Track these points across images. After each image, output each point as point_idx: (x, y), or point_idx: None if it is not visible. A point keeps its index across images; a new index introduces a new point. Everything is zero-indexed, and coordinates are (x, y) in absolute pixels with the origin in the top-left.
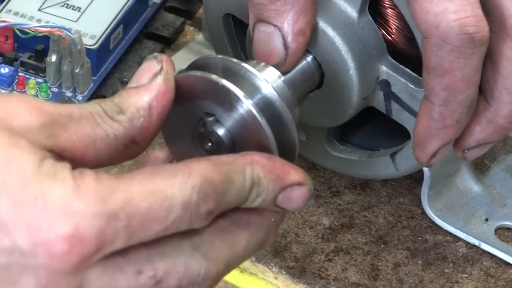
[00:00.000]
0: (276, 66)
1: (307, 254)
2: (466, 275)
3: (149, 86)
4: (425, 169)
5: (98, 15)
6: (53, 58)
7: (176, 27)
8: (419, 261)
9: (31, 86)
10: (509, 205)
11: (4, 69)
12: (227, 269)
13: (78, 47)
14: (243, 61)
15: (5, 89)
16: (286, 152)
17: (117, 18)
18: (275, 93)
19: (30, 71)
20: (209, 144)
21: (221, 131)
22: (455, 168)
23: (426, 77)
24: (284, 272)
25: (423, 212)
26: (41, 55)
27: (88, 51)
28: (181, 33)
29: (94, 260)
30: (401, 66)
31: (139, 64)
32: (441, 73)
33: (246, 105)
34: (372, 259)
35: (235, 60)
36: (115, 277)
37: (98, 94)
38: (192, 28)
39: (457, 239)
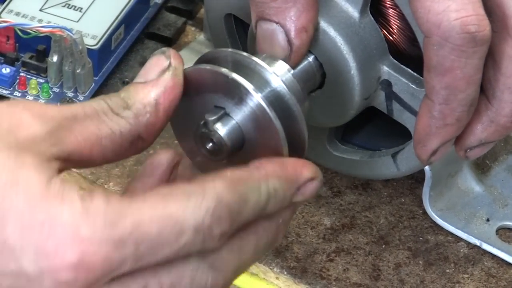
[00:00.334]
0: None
1: (308, 254)
2: (467, 276)
3: (156, 82)
4: (427, 169)
5: (100, 15)
6: (55, 58)
7: (178, 27)
8: (420, 261)
9: (33, 86)
10: (510, 205)
11: (6, 69)
12: (236, 275)
13: (79, 47)
14: (252, 55)
15: (6, 89)
16: (296, 145)
17: (119, 18)
18: (285, 87)
19: (31, 71)
20: (210, 144)
21: (222, 131)
22: (457, 168)
23: (427, 76)
24: (285, 272)
25: (424, 212)
26: (43, 55)
27: (90, 51)
28: (183, 33)
29: (100, 284)
30: (402, 66)
31: (141, 64)
32: (442, 72)
33: (256, 98)
34: (374, 259)
35: (245, 53)
36: None
37: (99, 94)
38: (193, 28)
39: (458, 239)
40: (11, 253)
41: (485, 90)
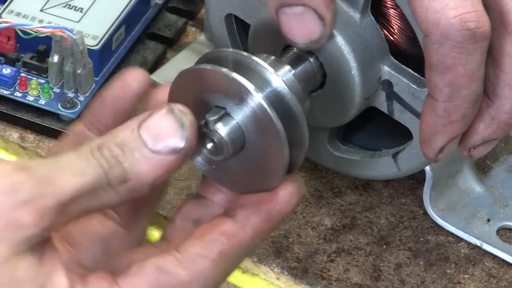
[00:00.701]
0: (318, 41)
1: (309, 255)
2: (468, 276)
3: (163, 160)
4: (427, 170)
5: (100, 15)
6: (55, 58)
7: (178, 27)
8: (421, 262)
9: (33, 86)
10: (511, 205)
11: (6, 70)
12: None
13: (80, 47)
14: (253, 54)
15: (7, 90)
16: (296, 145)
17: (119, 18)
18: (286, 87)
19: (32, 71)
20: (211, 144)
21: (223, 131)
22: (457, 168)
23: (429, 75)
24: (286, 273)
25: (425, 213)
26: (43, 55)
27: (90, 52)
28: (183, 33)
29: None
30: (403, 66)
31: (141, 64)
32: (443, 69)
33: (257, 98)
34: (374, 260)
35: (245, 53)
36: None
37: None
38: (194, 29)
39: (459, 239)
40: None
41: (485, 88)
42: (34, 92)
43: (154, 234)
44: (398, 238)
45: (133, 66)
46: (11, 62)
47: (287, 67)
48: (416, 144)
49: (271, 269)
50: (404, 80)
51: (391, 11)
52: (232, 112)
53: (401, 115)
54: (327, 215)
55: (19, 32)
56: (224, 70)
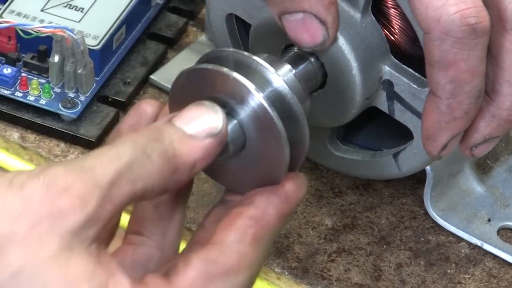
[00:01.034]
0: (323, 45)
1: (309, 255)
2: (468, 276)
3: (201, 144)
4: (428, 170)
5: (101, 15)
6: (56, 58)
7: (179, 27)
8: (421, 262)
9: (34, 86)
10: (511, 205)
11: (7, 70)
12: None
13: (81, 47)
14: (254, 54)
15: (8, 90)
16: (297, 145)
17: (120, 18)
18: (286, 86)
19: (32, 71)
20: None
21: None
22: (458, 168)
23: (431, 72)
24: (286, 273)
25: (426, 213)
26: (44, 55)
27: (91, 52)
28: (184, 33)
29: None
30: (404, 66)
31: (142, 64)
32: (445, 66)
33: (257, 98)
34: (375, 260)
35: (246, 53)
36: None
37: (100, 94)
38: (195, 29)
39: (459, 239)
40: None
41: (484, 86)
42: (35, 92)
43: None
44: (399, 238)
45: (134, 66)
46: (11, 62)
47: (288, 67)
48: (417, 144)
49: (271, 269)
50: (405, 80)
51: (392, 11)
52: (233, 112)
53: (401, 115)
54: (327, 215)
55: (20, 32)
56: (225, 69)
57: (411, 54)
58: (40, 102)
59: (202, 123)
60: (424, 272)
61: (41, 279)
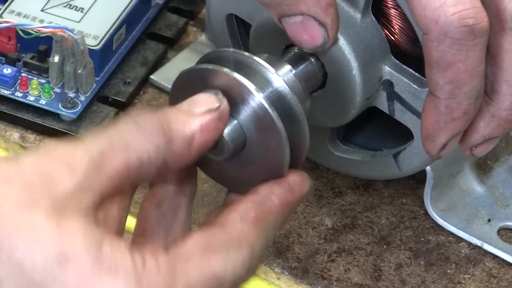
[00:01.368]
0: (323, 46)
1: (309, 255)
2: (468, 276)
3: (200, 117)
4: (428, 170)
5: (101, 15)
6: (56, 58)
7: (179, 27)
8: (421, 262)
9: (34, 86)
10: (511, 205)
11: (7, 70)
12: None
13: (81, 47)
14: (254, 54)
15: (8, 90)
16: (297, 145)
17: (120, 18)
18: (286, 87)
19: (32, 71)
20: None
21: (224, 131)
22: (458, 168)
23: (430, 72)
24: (286, 273)
25: (426, 213)
26: (44, 55)
27: (91, 52)
28: (184, 33)
29: None
30: (404, 66)
31: (142, 64)
32: (444, 67)
33: (258, 98)
34: (375, 260)
35: (246, 53)
36: None
37: (100, 94)
38: (195, 29)
39: (459, 239)
40: None
41: (484, 86)
42: (35, 92)
43: None
44: (399, 238)
45: (134, 66)
46: (11, 62)
47: (288, 67)
48: (417, 144)
49: (271, 269)
50: (405, 80)
51: (392, 11)
52: (233, 112)
53: (402, 115)
54: (327, 215)
55: (20, 32)
56: (225, 70)
57: (411, 54)
58: (40, 102)
59: (200, 101)
60: (424, 272)
61: (34, 235)
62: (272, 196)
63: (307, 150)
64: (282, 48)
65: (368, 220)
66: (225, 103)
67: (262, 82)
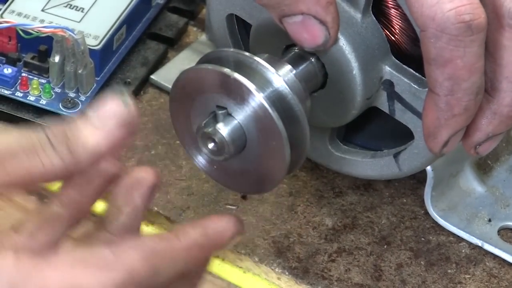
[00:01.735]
0: (325, 45)
1: (310, 255)
2: (469, 276)
3: (105, 132)
4: (428, 170)
5: (101, 15)
6: (56, 58)
7: (179, 27)
8: (422, 262)
9: (34, 86)
10: None
11: (7, 70)
12: None
13: (81, 47)
14: (254, 55)
15: (8, 90)
16: (297, 145)
17: (120, 18)
18: (287, 87)
19: (33, 71)
20: (212, 144)
21: (224, 131)
22: (458, 168)
23: (428, 69)
24: (287, 273)
25: (426, 213)
26: (44, 55)
27: (91, 52)
28: (184, 33)
29: None
30: (404, 66)
31: (142, 64)
32: (442, 63)
33: (258, 98)
34: (375, 260)
35: (247, 53)
36: None
37: (101, 94)
38: (195, 29)
39: (460, 239)
40: None
41: (484, 82)
42: (35, 92)
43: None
44: (399, 238)
45: (134, 66)
46: (12, 62)
47: (288, 67)
48: (417, 144)
49: (272, 269)
50: (406, 80)
51: (392, 11)
52: (234, 112)
53: (402, 115)
54: (328, 215)
55: (20, 32)
56: (226, 70)
57: (412, 54)
58: (41, 102)
59: (108, 109)
60: (425, 272)
61: None
62: (181, 237)
63: (307, 150)
64: (283, 48)
65: (368, 220)
66: (130, 104)
67: (263, 82)
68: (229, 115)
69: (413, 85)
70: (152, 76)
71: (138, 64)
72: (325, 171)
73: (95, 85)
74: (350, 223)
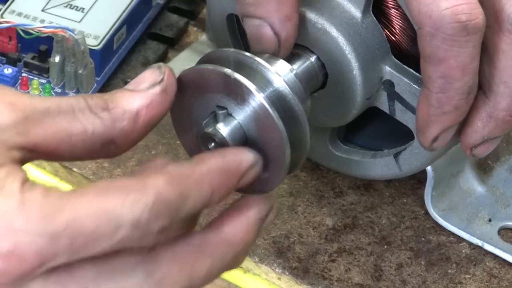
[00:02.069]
0: (274, 54)
1: (310, 255)
2: (469, 276)
3: (143, 93)
4: (429, 170)
5: (102, 15)
6: (57, 58)
7: (180, 27)
8: (422, 262)
9: (35, 86)
10: None
11: (8, 70)
12: None
13: (81, 47)
14: (255, 54)
15: None
16: (298, 145)
17: (121, 18)
18: (287, 87)
19: (33, 71)
20: (213, 144)
21: (224, 131)
22: (459, 168)
23: (423, 65)
24: (287, 273)
25: (426, 213)
26: (45, 55)
27: (92, 52)
28: (185, 33)
29: (35, 275)
30: (404, 66)
31: (143, 64)
32: (436, 62)
33: (258, 98)
34: (375, 260)
35: (247, 53)
36: None
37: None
38: (195, 29)
39: (460, 239)
40: None
41: (481, 85)
42: (36, 92)
43: None
44: (400, 238)
45: (135, 66)
46: (12, 62)
47: (289, 67)
48: (418, 144)
49: (272, 269)
50: (406, 80)
51: (393, 11)
52: (234, 112)
53: (402, 115)
54: (328, 215)
55: (21, 32)
56: (226, 70)
57: (412, 54)
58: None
59: (143, 77)
60: (425, 272)
61: None
62: (201, 161)
63: (307, 150)
64: None
65: (368, 220)
66: (168, 74)
67: (263, 82)
68: (229, 115)
69: (413, 85)
70: None
71: (138, 64)
72: (325, 171)
73: (95, 85)
74: (351, 223)
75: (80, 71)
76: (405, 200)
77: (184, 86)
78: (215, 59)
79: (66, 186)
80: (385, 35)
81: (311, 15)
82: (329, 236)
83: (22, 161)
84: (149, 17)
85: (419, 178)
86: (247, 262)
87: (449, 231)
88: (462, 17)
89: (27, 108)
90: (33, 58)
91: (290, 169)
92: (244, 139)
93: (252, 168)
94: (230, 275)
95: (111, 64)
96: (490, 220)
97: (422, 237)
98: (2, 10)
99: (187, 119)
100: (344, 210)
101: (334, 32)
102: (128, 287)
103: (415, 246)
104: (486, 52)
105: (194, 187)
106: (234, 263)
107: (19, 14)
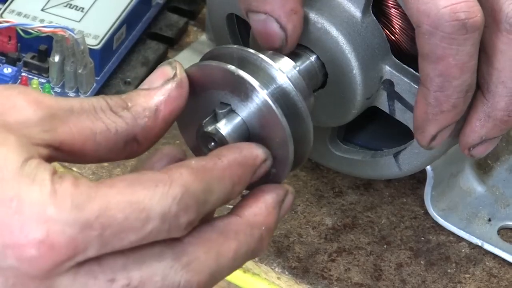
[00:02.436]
0: (280, 49)
1: (310, 255)
2: (469, 275)
3: (159, 90)
4: (428, 169)
5: (101, 15)
6: (56, 58)
7: (180, 27)
8: (422, 261)
9: (34, 86)
10: None
11: (7, 69)
12: (213, 280)
13: (81, 47)
14: (258, 51)
15: None
16: (301, 141)
17: (120, 18)
18: (290, 83)
19: (33, 71)
20: (212, 144)
21: (228, 128)
22: (458, 168)
23: (421, 64)
24: (287, 273)
25: (426, 212)
26: (44, 55)
27: (91, 51)
28: (185, 33)
29: (65, 267)
30: (404, 66)
31: (142, 64)
32: (434, 60)
33: (262, 95)
34: (375, 259)
35: (251, 50)
36: (87, 284)
37: (101, 94)
38: (195, 28)
39: (460, 239)
40: None
41: (480, 85)
42: None
43: None
44: (399, 237)
45: (134, 65)
46: (12, 62)
47: (292, 64)
48: (417, 143)
49: (272, 268)
50: (406, 79)
51: (393, 10)
52: (237, 109)
53: (402, 115)
54: (328, 215)
55: (20, 32)
56: (230, 66)
57: (412, 54)
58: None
59: (156, 75)
60: (425, 271)
61: None
62: (220, 155)
63: (311, 147)
64: None
65: (368, 220)
66: (180, 68)
67: (266, 79)
68: (232, 111)
69: (413, 84)
70: None
71: (138, 64)
72: (325, 171)
73: (95, 84)
74: (350, 222)
75: (79, 71)
76: (404, 200)
77: (188, 82)
78: (218, 56)
79: None
80: (385, 35)
81: (311, 15)
82: (328, 236)
83: (48, 160)
84: (149, 16)
85: (419, 178)
86: (247, 262)
87: (448, 230)
88: (461, 15)
89: (53, 106)
90: (32, 58)
91: (294, 165)
92: (247, 136)
93: (265, 162)
94: (230, 275)
95: (111, 64)
96: (489, 220)
97: (422, 236)
98: (2, 10)
99: (190, 116)
100: (343, 210)
101: (334, 31)
102: (156, 273)
103: (414, 246)
104: (485, 52)
105: (217, 181)
106: (259, 247)
107: (19, 14)
